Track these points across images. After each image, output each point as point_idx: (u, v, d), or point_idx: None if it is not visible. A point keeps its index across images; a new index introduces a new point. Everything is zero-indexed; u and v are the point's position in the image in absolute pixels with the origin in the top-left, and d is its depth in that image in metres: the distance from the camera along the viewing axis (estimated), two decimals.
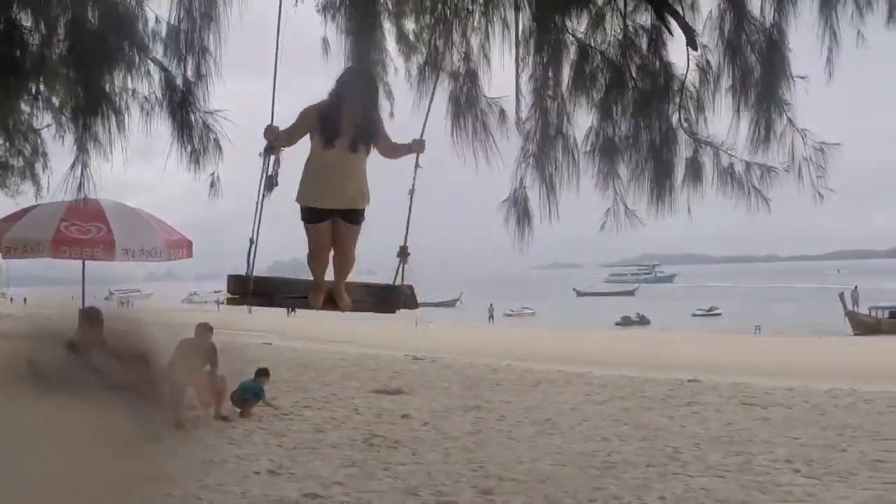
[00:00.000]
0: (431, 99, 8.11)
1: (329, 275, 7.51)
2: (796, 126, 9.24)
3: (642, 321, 71.46)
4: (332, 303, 7.46)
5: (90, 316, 12.29)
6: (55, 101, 13.15)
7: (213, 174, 10.88)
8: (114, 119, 10.58)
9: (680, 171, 9.59)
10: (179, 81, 10.66)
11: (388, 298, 7.64)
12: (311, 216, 7.07)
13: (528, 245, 9.84)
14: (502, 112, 9.71)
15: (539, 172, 9.66)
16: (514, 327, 62.06)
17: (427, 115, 7.63)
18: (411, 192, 7.32)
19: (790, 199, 9.58)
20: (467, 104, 9.74)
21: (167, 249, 13.68)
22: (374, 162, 7.20)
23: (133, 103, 10.97)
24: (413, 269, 7.50)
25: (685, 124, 9.58)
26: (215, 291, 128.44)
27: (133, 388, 11.64)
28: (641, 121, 9.57)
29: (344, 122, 6.90)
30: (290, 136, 7.04)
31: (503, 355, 26.31)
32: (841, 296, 59.64)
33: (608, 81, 9.59)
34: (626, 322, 70.88)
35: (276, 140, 6.95)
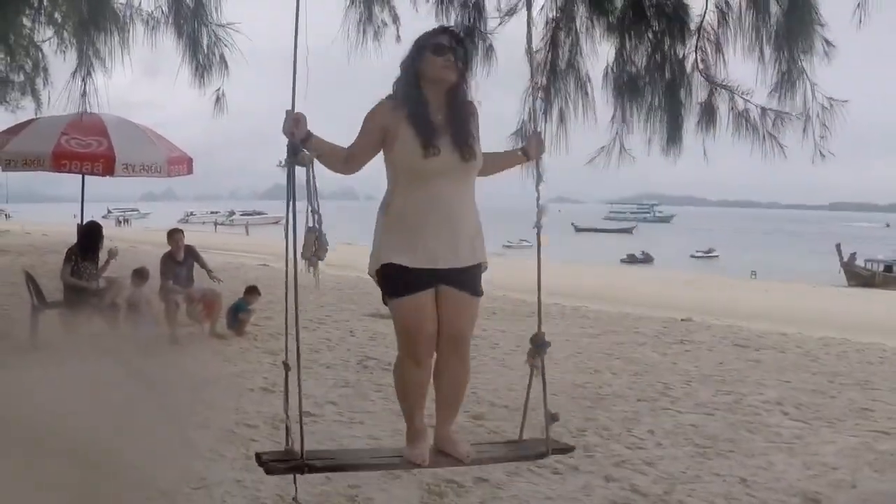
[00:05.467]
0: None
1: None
2: (808, 77, 9.17)
3: (646, 259, 72.32)
4: (444, 454, 4.99)
5: (90, 231, 12.39)
6: (57, 15, 13.01)
7: (218, 90, 10.81)
8: (117, 34, 10.49)
9: (694, 114, 9.54)
10: None
11: (530, 450, 5.49)
12: (405, 284, 4.58)
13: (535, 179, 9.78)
14: (491, 47, 9.63)
15: (548, 104, 9.61)
16: (510, 259, 62.16)
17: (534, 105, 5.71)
18: (538, 229, 4.91)
19: (794, 147, 9.56)
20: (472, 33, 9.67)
21: (167, 165, 13.56)
22: None
23: (137, 18, 10.88)
24: None
25: (701, 65, 9.51)
26: (212, 212, 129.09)
27: (128, 303, 11.77)
28: (656, 58, 9.51)
29: (437, 111, 4.51)
30: (356, 152, 4.53)
31: (499, 285, 26.35)
32: (838, 247, 59.99)
33: (625, 16, 9.52)
34: (631, 259, 71.72)
35: (305, 139, 4.28)
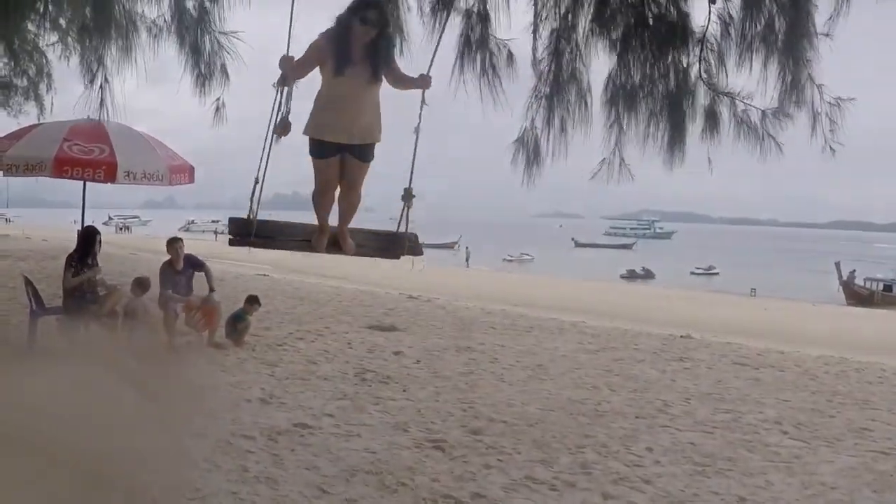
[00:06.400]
0: (440, 36, 7.96)
1: (333, 216, 7.41)
2: (814, 81, 9.17)
3: (647, 275, 71.96)
4: (335, 246, 7.44)
5: (88, 236, 12.36)
6: (62, 21, 12.99)
7: (218, 99, 10.82)
8: (121, 42, 10.51)
9: (696, 121, 9.53)
10: (190, 4, 10.58)
11: (393, 245, 7.64)
12: (320, 150, 6.92)
13: (535, 185, 9.81)
14: (510, 55, 9.62)
15: (550, 113, 9.61)
16: (510, 273, 62.21)
17: (435, 52, 7.37)
18: (417, 130, 7.14)
19: (795, 162, 9.56)
20: (477, 43, 9.66)
21: (169, 174, 13.53)
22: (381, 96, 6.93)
23: (141, 26, 10.89)
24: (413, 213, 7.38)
25: (704, 76, 9.50)
26: (213, 221, 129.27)
27: (125, 311, 11.71)
28: (658, 69, 9.49)
29: (356, 51, 6.65)
30: (300, 67, 6.78)
31: (498, 299, 26.39)
32: (837, 265, 60.14)
33: (626, 27, 9.51)
34: (631, 275, 71.32)
35: (291, 70, 6.73)
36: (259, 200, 7.10)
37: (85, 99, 10.69)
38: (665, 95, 9.58)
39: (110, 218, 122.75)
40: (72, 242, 12.88)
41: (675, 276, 71.40)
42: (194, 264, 13.07)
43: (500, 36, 9.69)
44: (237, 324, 13.08)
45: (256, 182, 7.09)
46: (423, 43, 9.14)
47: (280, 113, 6.86)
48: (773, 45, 9.18)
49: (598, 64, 9.71)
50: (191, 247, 13.91)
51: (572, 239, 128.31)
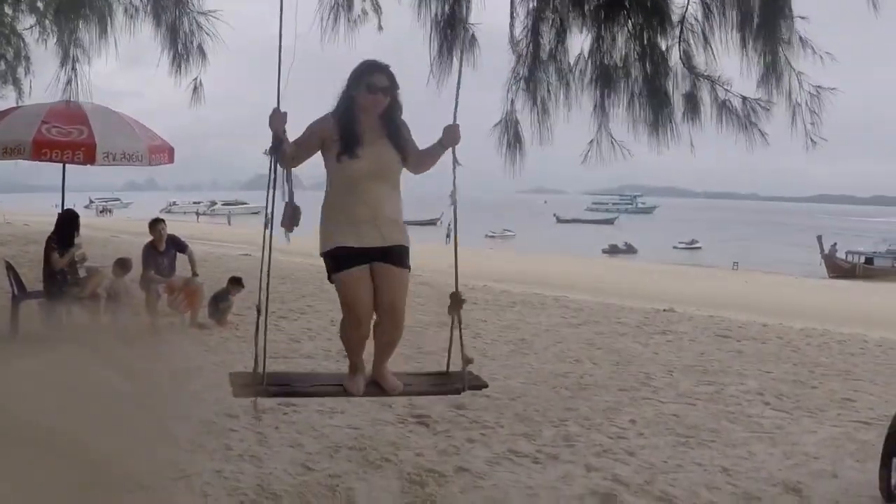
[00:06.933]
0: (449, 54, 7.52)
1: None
2: (793, 68, 9.16)
3: (629, 250, 71.77)
4: (376, 386, 5.93)
5: (67, 219, 12.29)
6: (39, 3, 12.89)
7: (195, 79, 10.75)
8: (98, 23, 10.45)
9: (677, 105, 9.53)
10: None
11: (450, 382, 6.31)
12: (345, 260, 5.50)
13: (519, 170, 9.80)
14: (473, 37, 9.55)
15: (530, 95, 9.59)
16: (491, 248, 62.18)
17: (458, 94, 5.81)
18: (454, 199, 5.81)
19: (776, 138, 9.57)
20: (451, 27, 9.61)
21: (148, 154, 13.46)
22: None
23: (117, 7, 10.83)
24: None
25: (684, 58, 9.49)
26: (195, 202, 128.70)
27: (108, 293, 11.68)
28: (637, 49, 9.49)
29: (367, 127, 5.49)
30: (297, 149, 5.44)
31: (481, 275, 26.39)
32: (819, 239, 60.41)
33: (605, 6, 9.50)
34: (613, 250, 71.13)
35: (284, 133, 5.29)
36: (266, 342, 5.52)
37: (61, 81, 10.60)
38: (644, 78, 9.59)
39: (91, 201, 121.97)
40: (53, 226, 12.82)
41: (657, 250, 71.39)
42: (177, 245, 13.05)
43: (477, 17, 9.66)
44: (219, 303, 13.06)
45: (259, 313, 5.60)
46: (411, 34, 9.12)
47: (275, 188, 5.37)
48: (749, 27, 9.19)
49: (576, 44, 9.71)
50: (173, 228, 13.85)
51: (554, 215, 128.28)
